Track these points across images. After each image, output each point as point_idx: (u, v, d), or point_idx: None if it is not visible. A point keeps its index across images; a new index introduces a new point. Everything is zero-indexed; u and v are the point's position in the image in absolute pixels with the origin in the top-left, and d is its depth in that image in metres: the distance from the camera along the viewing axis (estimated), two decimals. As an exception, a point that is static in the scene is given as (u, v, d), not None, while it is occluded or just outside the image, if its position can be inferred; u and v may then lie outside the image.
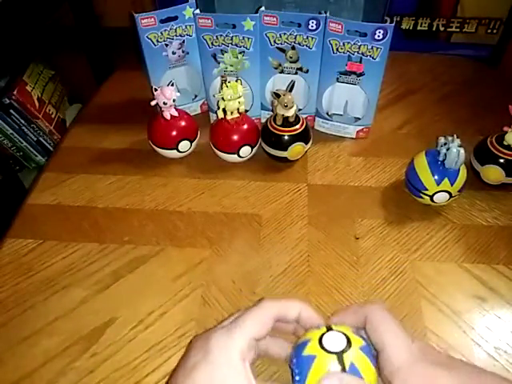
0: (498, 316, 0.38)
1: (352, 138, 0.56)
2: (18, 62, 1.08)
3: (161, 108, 0.49)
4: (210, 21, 0.48)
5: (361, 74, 0.50)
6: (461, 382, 0.25)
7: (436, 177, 0.43)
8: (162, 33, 0.51)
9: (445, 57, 0.76)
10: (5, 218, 0.49)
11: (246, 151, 0.51)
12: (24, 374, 0.35)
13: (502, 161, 0.45)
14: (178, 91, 0.49)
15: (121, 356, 0.35)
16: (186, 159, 0.53)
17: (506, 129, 0.45)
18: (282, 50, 0.50)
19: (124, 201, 0.49)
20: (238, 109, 0.48)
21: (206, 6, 0.49)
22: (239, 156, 0.51)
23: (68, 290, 0.40)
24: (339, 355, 0.25)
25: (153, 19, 0.49)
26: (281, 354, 0.31)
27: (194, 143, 0.53)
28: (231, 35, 0.48)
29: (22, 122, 1.04)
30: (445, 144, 0.42)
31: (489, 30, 1.05)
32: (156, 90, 0.48)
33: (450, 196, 0.44)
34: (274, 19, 0.47)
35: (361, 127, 0.55)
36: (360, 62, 0.48)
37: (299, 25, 0.47)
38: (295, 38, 0.48)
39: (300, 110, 0.56)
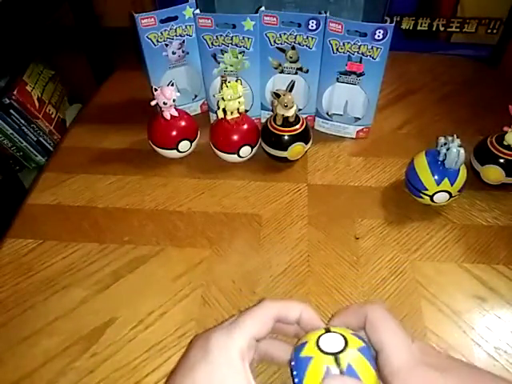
0: (498, 316, 0.38)
1: (352, 138, 0.56)
2: (18, 62, 1.08)
3: (161, 108, 0.49)
4: (210, 21, 0.48)
5: (361, 74, 0.50)
6: None
7: (436, 177, 0.43)
8: (161, 33, 0.51)
9: (445, 57, 0.76)
10: (5, 217, 0.49)
11: (245, 151, 0.51)
12: (24, 374, 0.35)
13: (501, 161, 0.45)
14: (178, 91, 0.49)
15: (121, 356, 0.35)
16: (186, 159, 0.53)
17: (505, 129, 0.45)
18: (282, 50, 0.50)
19: (124, 201, 0.49)
20: (238, 109, 0.48)
21: (206, 6, 0.49)
22: (239, 156, 0.51)
23: (68, 290, 0.40)
24: (336, 356, 0.25)
25: (153, 19, 0.49)
26: (283, 358, 0.31)
27: (194, 143, 0.53)
28: (231, 35, 0.48)
29: (22, 121, 1.04)
30: (445, 144, 0.42)
31: (489, 30, 1.05)
32: (156, 89, 0.48)
33: (450, 196, 0.44)
34: (274, 19, 0.47)
35: (361, 127, 0.55)
36: (360, 61, 0.48)
37: (299, 25, 0.47)
38: (295, 38, 0.48)
39: (300, 110, 0.56)
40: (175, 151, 0.52)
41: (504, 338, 0.36)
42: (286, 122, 0.48)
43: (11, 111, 1.01)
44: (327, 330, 0.28)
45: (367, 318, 0.29)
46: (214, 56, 0.51)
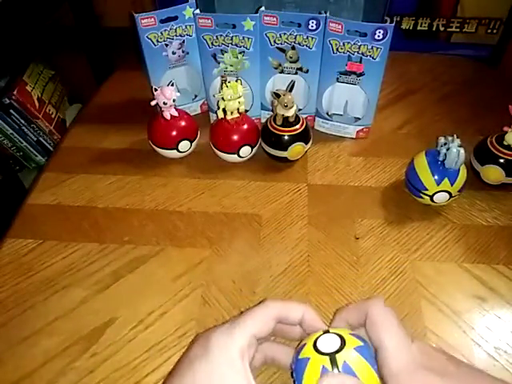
0: (498, 316, 0.38)
1: (352, 138, 0.56)
2: (18, 62, 1.08)
3: (161, 108, 0.49)
4: (210, 21, 0.48)
5: (361, 74, 0.50)
6: None
7: (436, 177, 0.43)
8: (161, 33, 0.51)
9: (445, 57, 0.76)
10: (5, 217, 0.49)
11: (245, 151, 0.51)
12: (24, 374, 0.35)
13: (501, 161, 0.45)
14: (178, 91, 0.49)
15: (121, 356, 0.35)
16: (186, 159, 0.53)
17: (505, 129, 0.45)
18: (282, 50, 0.50)
19: (124, 201, 0.49)
20: (238, 109, 0.48)
21: (206, 6, 0.49)
22: (239, 156, 0.51)
23: (68, 290, 0.40)
24: (332, 356, 0.25)
25: (153, 19, 0.49)
26: (286, 361, 0.31)
27: (194, 143, 0.53)
28: (231, 35, 0.48)
29: (22, 121, 1.04)
30: (445, 144, 0.42)
31: (489, 30, 1.05)
32: (156, 90, 0.48)
33: (450, 196, 0.44)
34: (274, 19, 0.47)
35: (361, 127, 0.55)
36: (360, 62, 0.48)
37: (299, 25, 0.47)
38: (295, 38, 0.48)
39: (300, 110, 0.56)
40: (175, 151, 0.52)
41: (504, 338, 0.36)
42: (286, 122, 0.48)
43: (11, 111, 1.01)
44: (326, 332, 0.28)
45: (367, 315, 0.28)
46: (214, 56, 0.51)
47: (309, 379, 0.25)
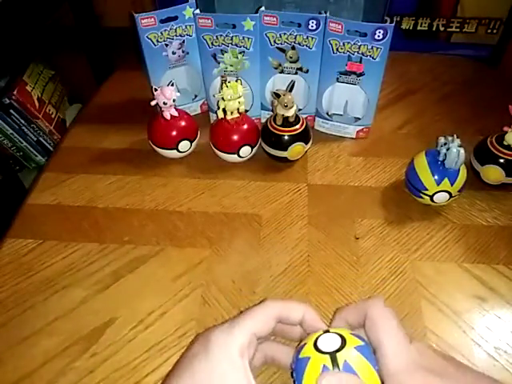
0: (498, 316, 0.38)
1: (352, 138, 0.56)
2: (18, 62, 1.08)
3: (161, 108, 0.49)
4: (210, 21, 0.48)
5: (361, 74, 0.50)
6: None
7: (436, 177, 0.43)
8: (161, 33, 0.51)
9: (445, 57, 0.76)
10: (5, 217, 0.49)
11: (245, 151, 0.51)
12: (24, 375, 0.35)
13: (501, 161, 0.45)
14: (178, 91, 0.49)
15: (121, 356, 0.35)
16: (186, 159, 0.53)
17: (506, 129, 0.45)
18: (282, 50, 0.50)
19: (124, 201, 0.49)
20: (238, 109, 0.48)
21: (206, 6, 0.49)
22: (239, 156, 0.51)
23: (68, 290, 0.40)
24: (332, 355, 0.25)
25: (153, 19, 0.49)
26: (287, 361, 0.31)
27: (194, 143, 0.53)
28: (231, 35, 0.48)
29: (22, 121, 1.04)
30: (445, 144, 0.42)
31: (489, 30, 1.05)
32: (156, 89, 0.48)
33: (450, 196, 0.44)
34: (274, 19, 0.47)
35: (361, 127, 0.55)
36: (360, 62, 0.48)
37: (299, 25, 0.47)
38: (295, 38, 0.48)
39: (300, 110, 0.56)
40: (175, 151, 0.52)
41: (504, 338, 0.36)
42: (286, 122, 0.48)
43: (11, 111, 1.01)
44: (326, 332, 0.28)
45: (367, 315, 0.28)
46: (214, 56, 0.51)
47: (309, 378, 0.25)
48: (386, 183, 0.50)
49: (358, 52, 0.47)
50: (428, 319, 0.37)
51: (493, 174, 0.47)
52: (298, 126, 0.48)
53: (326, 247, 0.43)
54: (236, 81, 0.46)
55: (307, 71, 0.52)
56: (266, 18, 0.47)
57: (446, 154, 0.42)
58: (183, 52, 0.54)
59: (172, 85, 0.49)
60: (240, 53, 0.50)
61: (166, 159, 0.53)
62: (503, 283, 0.40)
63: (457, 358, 0.32)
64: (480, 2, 1.01)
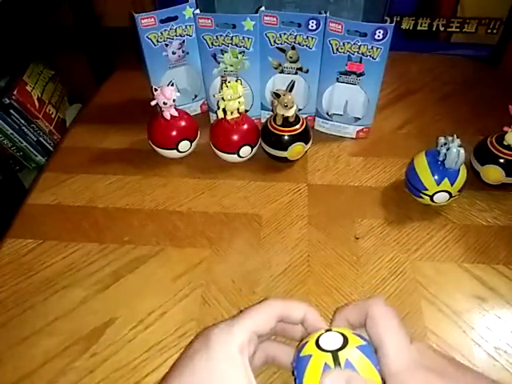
0: (498, 316, 0.38)
1: (352, 138, 0.56)
2: (18, 62, 1.08)
3: (161, 108, 0.49)
4: (210, 21, 0.48)
5: (361, 74, 0.50)
6: None
7: (436, 177, 0.43)
8: (162, 33, 0.51)
9: (445, 57, 0.76)
10: (5, 217, 0.49)
11: (245, 151, 0.51)
12: (24, 375, 0.35)
13: (501, 161, 0.45)
14: (178, 91, 0.49)
15: (121, 356, 0.35)
16: (186, 159, 0.53)
17: (506, 129, 0.45)
18: (282, 50, 0.50)
19: (124, 201, 0.49)
20: (238, 109, 0.48)
21: (206, 6, 0.49)
22: (239, 156, 0.51)
23: (68, 290, 0.40)
24: (334, 353, 0.25)
25: (153, 19, 0.49)
26: (287, 361, 0.31)
27: (194, 143, 0.53)
28: (231, 35, 0.48)
29: (22, 121, 1.04)
30: (445, 144, 0.42)
31: (489, 30, 1.05)
32: (156, 89, 0.48)
33: (450, 196, 0.44)
34: (274, 19, 0.47)
35: (361, 127, 0.55)
36: (360, 62, 0.48)
37: (299, 25, 0.47)
38: (295, 38, 0.48)
39: (300, 110, 0.56)
40: (175, 151, 0.52)
41: (504, 338, 0.36)
42: (286, 122, 0.48)
43: (11, 111, 1.01)
44: (328, 331, 0.28)
45: (368, 315, 0.28)
46: (214, 56, 0.51)
47: (310, 376, 0.25)
48: (385, 183, 0.50)
49: (358, 52, 0.47)
50: (428, 319, 0.37)
51: (493, 174, 0.47)
52: (297, 126, 0.49)
53: (326, 247, 0.43)
54: (236, 81, 0.46)
55: (307, 71, 0.52)
56: (265, 18, 0.47)
57: (445, 154, 0.42)
58: (183, 52, 0.54)
59: (172, 85, 0.49)
60: (240, 53, 0.50)
61: (166, 159, 0.53)
62: (503, 283, 0.40)
63: (457, 358, 0.32)
64: (480, 1, 1.01)
